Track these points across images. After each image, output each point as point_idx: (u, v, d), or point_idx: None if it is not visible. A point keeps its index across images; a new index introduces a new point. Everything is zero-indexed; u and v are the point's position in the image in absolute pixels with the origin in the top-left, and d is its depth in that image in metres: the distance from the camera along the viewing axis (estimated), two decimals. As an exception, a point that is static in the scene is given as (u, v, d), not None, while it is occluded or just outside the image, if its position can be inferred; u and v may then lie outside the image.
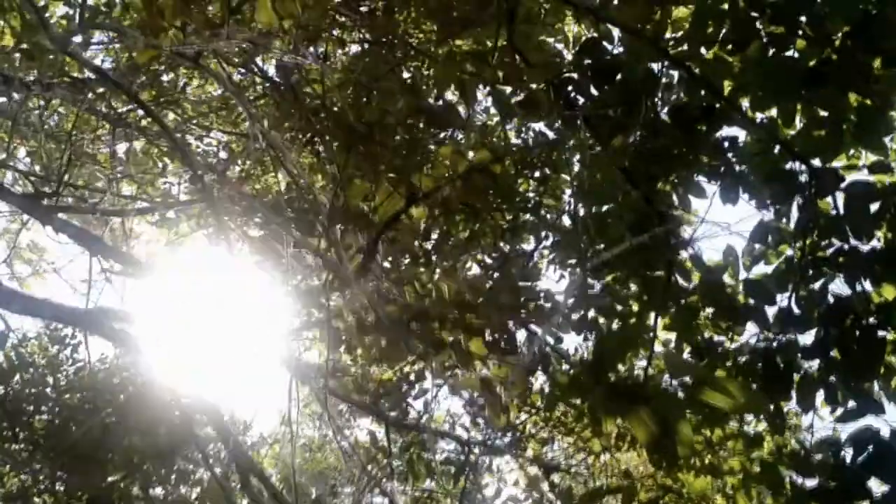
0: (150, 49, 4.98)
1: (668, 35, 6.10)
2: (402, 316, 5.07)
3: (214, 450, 12.18)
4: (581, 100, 5.96)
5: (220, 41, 5.03)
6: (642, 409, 3.09)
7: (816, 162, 5.61)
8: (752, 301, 5.83)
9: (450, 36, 6.10)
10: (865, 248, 5.60)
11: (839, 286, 5.69)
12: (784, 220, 5.95)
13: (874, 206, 5.42)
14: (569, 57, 8.01)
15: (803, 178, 5.58)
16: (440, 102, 6.56)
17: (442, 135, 6.97)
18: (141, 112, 10.08)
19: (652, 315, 6.48)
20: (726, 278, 6.27)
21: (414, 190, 5.18)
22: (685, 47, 5.94)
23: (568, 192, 8.07)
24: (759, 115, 5.85)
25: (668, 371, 3.36)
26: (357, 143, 5.01)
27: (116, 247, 8.43)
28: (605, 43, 6.02)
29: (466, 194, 5.36)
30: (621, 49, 6.17)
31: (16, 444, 10.76)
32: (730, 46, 5.75)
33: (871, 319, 5.48)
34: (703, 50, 5.93)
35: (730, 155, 6.00)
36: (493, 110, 8.38)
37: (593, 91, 6.07)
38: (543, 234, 8.29)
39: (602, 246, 6.43)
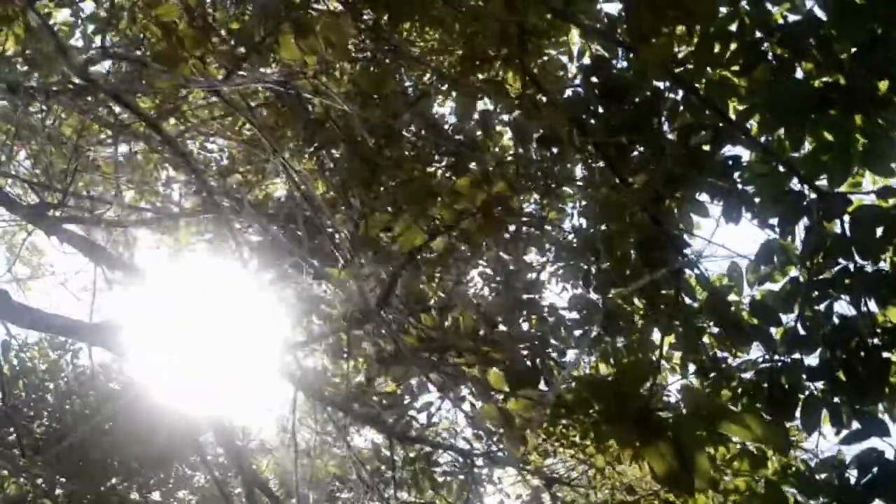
0: (169, 80, 5.00)
1: (675, 53, 6.14)
2: (421, 348, 5.10)
3: (214, 455, 12.21)
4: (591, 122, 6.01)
5: (241, 76, 5.05)
6: (661, 442, 3.12)
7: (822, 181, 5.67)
8: (757, 321, 5.87)
9: (472, 71, 6.14)
10: (871, 268, 5.64)
11: (844, 307, 5.74)
12: (789, 239, 5.99)
13: (880, 230, 5.45)
14: (573, 69, 8.09)
15: (809, 199, 5.62)
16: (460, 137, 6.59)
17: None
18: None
19: (656, 333, 6.55)
20: (731, 296, 6.32)
21: (433, 222, 5.21)
22: (690, 65, 6.00)
23: (570, 205, 8.08)
24: (764, 137, 5.91)
25: (685, 405, 3.38)
26: (376, 174, 5.05)
27: (120, 256, 8.43)
28: (612, 61, 6.07)
29: (486, 227, 5.39)
30: (625, 64, 6.25)
31: (17, 449, 10.77)
32: (736, 67, 5.80)
33: (877, 341, 5.51)
34: (708, 69, 6.00)
35: (734, 174, 6.05)
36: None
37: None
38: (547, 246, 8.31)
39: (607, 264, 6.48)
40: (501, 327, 6.04)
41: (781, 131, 5.72)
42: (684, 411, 3.43)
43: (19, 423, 10.49)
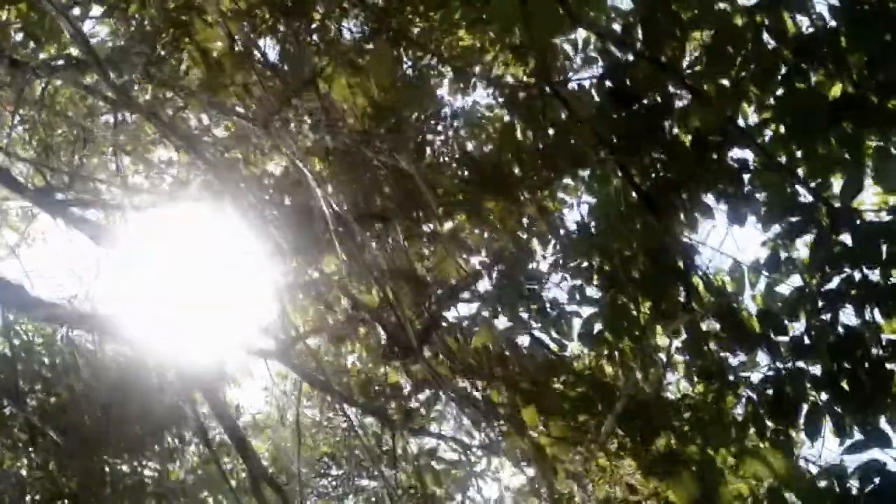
0: (212, 107, 4.98)
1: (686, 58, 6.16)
2: (455, 377, 5.14)
3: (209, 427, 12.22)
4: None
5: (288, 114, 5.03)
6: (685, 473, 3.17)
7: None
8: (763, 329, 5.92)
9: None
10: (876, 278, 5.69)
11: (849, 317, 5.79)
12: (795, 247, 6.05)
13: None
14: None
15: (818, 210, 5.66)
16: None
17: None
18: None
19: (659, 333, 6.61)
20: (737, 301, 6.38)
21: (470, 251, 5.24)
22: (700, 68, 6.03)
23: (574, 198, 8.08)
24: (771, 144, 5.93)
25: (708, 441, 3.43)
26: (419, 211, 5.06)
27: (119, 235, 8.43)
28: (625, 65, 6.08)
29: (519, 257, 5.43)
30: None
31: (12, 422, 10.78)
32: (743, 73, 5.81)
33: (881, 352, 5.58)
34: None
35: (741, 177, 6.08)
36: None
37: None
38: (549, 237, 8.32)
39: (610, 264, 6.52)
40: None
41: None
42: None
43: (15, 398, 10.49)
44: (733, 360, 6.34)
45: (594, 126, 5.78)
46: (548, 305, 7.62)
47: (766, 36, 5.73)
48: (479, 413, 5.24)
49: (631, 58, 5.92)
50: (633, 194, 6.00)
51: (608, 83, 5.94)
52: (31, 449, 10.88)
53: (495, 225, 6.47)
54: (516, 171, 6.47)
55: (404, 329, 5.28)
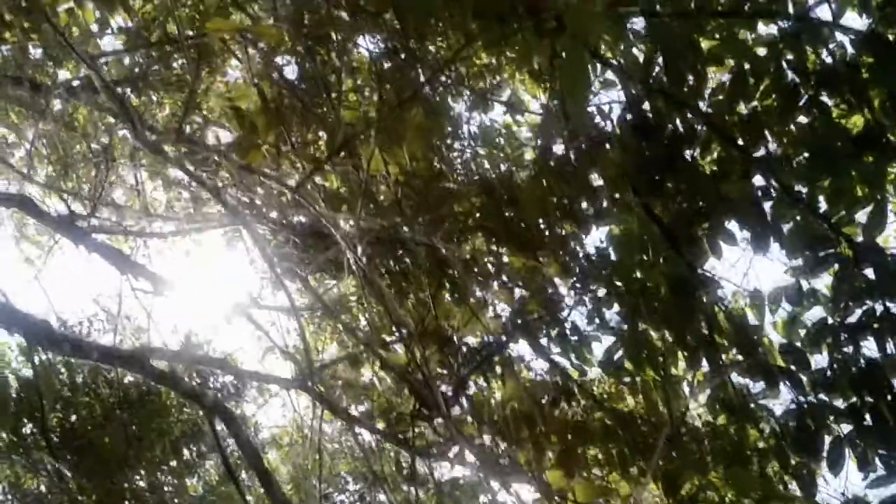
0: (245, 169, 5.00)
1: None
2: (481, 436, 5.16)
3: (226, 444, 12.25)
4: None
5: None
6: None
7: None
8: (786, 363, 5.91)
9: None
10: (897, 309, 5.67)
11: (871, 349, 5.77)
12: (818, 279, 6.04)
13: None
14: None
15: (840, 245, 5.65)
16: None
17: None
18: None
19: (679, 362, 6.60)
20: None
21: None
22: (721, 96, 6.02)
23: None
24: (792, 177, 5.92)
25: (735, 490, 3.43)
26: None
27: (143, 263, 8.47)
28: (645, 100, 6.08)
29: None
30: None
31: (32, 438, 10.87)
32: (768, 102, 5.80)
33: (904, 386, 5.56)
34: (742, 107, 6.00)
35: (762, 206, 6.07)
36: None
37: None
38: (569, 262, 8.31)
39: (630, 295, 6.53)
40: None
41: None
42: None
43: (35, 416, 10.56)
44: (755, 388, 6.33)
45: (618, 165, 5.78)
46: (568, 330, 7.64)
47: (785, 65, 5.73)
48: (503, 475, 5.24)
49: (650, 93, 5.91)
50: (655, 227, 5.98)
51: (628, 116, 5.95)
52: (51, 468, 10.95)
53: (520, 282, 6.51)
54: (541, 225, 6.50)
55: (432, 391, 5.28)
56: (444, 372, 5.97)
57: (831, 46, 5.62)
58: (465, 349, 5.70)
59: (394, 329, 6.04)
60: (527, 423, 5.16)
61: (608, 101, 6.87)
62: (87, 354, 5.65)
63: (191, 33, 7.34)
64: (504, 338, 5.49)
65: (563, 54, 3.40)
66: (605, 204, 6.41)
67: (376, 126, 4.70)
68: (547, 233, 6.77)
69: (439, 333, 5.50)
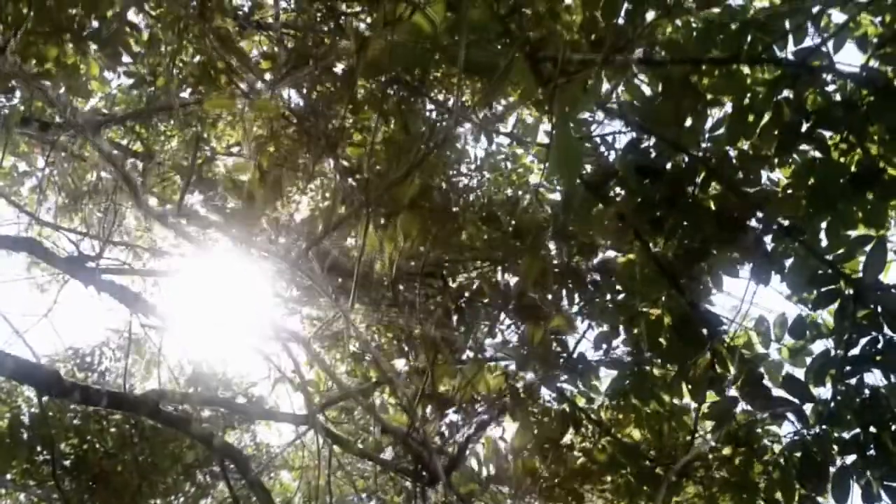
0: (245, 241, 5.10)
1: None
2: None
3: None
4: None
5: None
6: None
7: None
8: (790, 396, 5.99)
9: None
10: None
11: (876, 379, 5.85)
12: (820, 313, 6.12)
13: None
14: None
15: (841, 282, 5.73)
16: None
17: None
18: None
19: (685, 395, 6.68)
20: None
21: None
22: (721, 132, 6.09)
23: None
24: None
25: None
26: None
27: (152, 302, 8.55)
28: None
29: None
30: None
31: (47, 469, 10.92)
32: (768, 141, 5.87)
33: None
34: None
35: (764, 240, 6.14)
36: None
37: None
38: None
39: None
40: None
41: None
42: None
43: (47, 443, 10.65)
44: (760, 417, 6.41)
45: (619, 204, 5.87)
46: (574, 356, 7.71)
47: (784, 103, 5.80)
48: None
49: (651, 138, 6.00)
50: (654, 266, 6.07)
51: (629, 156, 6.03)
52: (63, 497, 11.02)
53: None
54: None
55: (431, 458, 5.38)
56: (447, 433, 6.06)
57: (830, 88, 5.70)
58: (467, 408, 5.76)
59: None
60: (533, 474, 5.24)
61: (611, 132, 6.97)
62: (97, 401, 5.75)
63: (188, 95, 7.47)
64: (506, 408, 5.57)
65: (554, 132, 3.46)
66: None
67: (373, 199, 4.78)
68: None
69: (441, 398, 5.59)
